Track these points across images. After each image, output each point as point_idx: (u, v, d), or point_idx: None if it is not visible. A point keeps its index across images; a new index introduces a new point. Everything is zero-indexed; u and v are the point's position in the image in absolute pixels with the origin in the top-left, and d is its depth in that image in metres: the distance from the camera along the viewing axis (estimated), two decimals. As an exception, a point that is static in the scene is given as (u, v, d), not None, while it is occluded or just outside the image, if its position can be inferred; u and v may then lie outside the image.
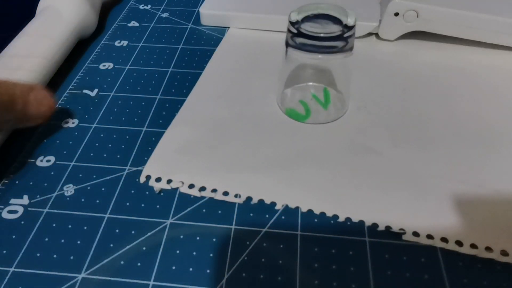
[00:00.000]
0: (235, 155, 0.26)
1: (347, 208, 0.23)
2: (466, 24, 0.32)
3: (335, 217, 0.23)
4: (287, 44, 0.26)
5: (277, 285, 0.20)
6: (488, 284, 0.20)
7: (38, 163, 0.26)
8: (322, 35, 0.24)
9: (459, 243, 0.21)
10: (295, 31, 0.25)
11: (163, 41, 0.36)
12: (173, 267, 0.21)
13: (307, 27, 0.25)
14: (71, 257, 0.22)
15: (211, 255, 0.21)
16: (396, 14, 0.33)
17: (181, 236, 0.22)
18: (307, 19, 0.26)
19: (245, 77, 0.32)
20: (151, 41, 0.36)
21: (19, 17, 0.40)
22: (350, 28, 0.25)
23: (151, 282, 0.20)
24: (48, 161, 0.26)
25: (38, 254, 0.22)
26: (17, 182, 0.25)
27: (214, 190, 0.24)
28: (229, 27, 0.37)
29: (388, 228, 0.22)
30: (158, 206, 0.24)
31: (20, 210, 0.24)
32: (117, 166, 0.26)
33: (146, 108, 0.30)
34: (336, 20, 0.25)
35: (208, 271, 0.21)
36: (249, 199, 0.24)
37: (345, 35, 0.25)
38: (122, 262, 0.21)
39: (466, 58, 0.33)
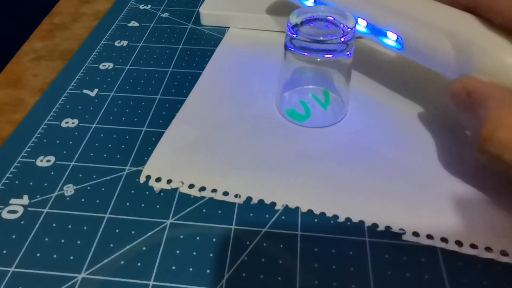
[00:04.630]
0: (235, 155, 0.26)
1: (347, 208, 0.23)
2: None
3: (335, 217, 0.23)
4: (286, 47, 0.26)
5: (277, 285, 0.20)
6: (488, 284, 0.20)
7: (38, 163, 0.26)
8: (321, 38, 0.24)
9: (459, 243, 0.21)
10: (294, 34, 0.25)
11: (163, 41, 0.36)
12: (173, 267, 0.21)
13: (306, 30, 0.25)
14: (71, 257, 0.22)
15: (211, 255, 0.21)
16: None
17: (181, 236, 0.22)
18: (306, 22, 0.26)
19: (245, 77, 0.32)
20: (151, 41, 0.36)
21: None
22: (349, 31, 0.25)
23: (151, 282, 0.20)
24: (48, 161, 0.26)
25: (38, 254, 0.22)
26: (17, 182, 0.25)
27: (214, 190, 0.24)
28: (229, 27, 0.37)
29: (388, 228, 0.22)
30: (158, 206, 0.24)
31: (20, 210, 0.24)
32: (117, 166, 0.26)
33: (146, 108, 0.30)
34: (335, 23, 0.26)
35: (208, 271, 0.21)
36: (249, 199, 0.24)
37: (344, 39, 0.25)
38: (122, 262, 0.21)
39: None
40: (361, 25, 0.28)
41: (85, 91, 0.31)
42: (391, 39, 0.27)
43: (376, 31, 0.27)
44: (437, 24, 0.25)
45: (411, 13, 0.26)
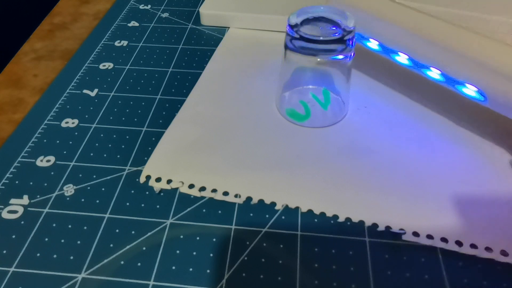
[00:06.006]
0: (235, 155, 0.26)
1: (347, 208, 0.23)
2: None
3: (335, 217, 0.23)
4: (286, 47, 0.26)
5: (277, 285, 0.20)
6: (488, 284, 0.20)
7: (38, 163, 0.26)
8: (321, 38, 0.24)
9: (459, 243, 0.21)
10: (294, 34, 0.25)
11: (163, 41, 0.36)
12: (173, 267, 0.21)
13: (306, 30, 0.25)
14: (71, 257, 0.22)
15: (211, 255, 0.21)
16: None
17: (181, 236, 0.22)
18: (306, 22, 0.26)
19: (245, 77, 0.32)
20: (151, 41, 0.36)
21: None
22: (350, 31, 0.25)
23: (151, 282, 0.20)
24: (48, 161, 0.26)
25: (38, 254, 0.22)
26: (17, 182, 0.25)
27: (214, 190, 0.24)
28: (229, 27, 0.37)
29: (388, 228, 0.22)
30: (158, 206, 0.24)
31: (20, 210, 0.24)
32: (117, 166, 0.26)
33: (146, 108, 0.30)
34: (335, 23, 0.26)
35: (208, 271, 0.21)
36: (249, 199, 0.24)
37: (345, 38, 0.25)
38: (122, 262, 0.21)
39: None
40: (435, 73, 0.25)
41: (85, 91, 0.31)
42: (470, 89, 0.24)
43: (452, 81, 0.24)
44: None
45: (492, 64, 0.22)
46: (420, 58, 0.25)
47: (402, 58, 0.27)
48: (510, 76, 0.22)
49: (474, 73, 0.23)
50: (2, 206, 0.24)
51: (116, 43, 0.36)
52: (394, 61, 0.28)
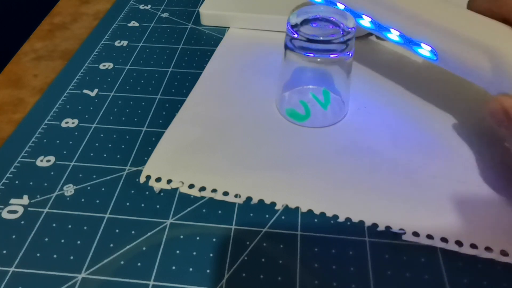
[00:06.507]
0: (235, 155, 0.26)
1: (347, 208, 0.23)
2: None
3: (335, 217, 0.23)
4: (286, 47, 0.26)
5: (277, 285, 0.20)
6: (488, 284, 0.20)
7: (38, 163, 0.26)
8: (321, 38, 0.24)
9: (459, 243, 0.21)
10: (294, 34, 0.25)
11: (163, 41, 0.36)
12: (173, 267, 0.21)
13: (306, 30, 0.25)
14: (71, 257, 0.22)
15: (211, 255, 0.21)
16: None
17: (181, 236, 0.22)
18: (306, 22, 0.26)
19: (245, 77, 0.32)
20: (151, 41, 0.36)
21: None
22: (349, 31, 0.25)
23: (151, 282, 0.21)
24: (48, 161, 0.26)
25: (38, 254, 0.22)
26: (17, 182, 0.25)
27: (214, 190, 0.24)
28: (229, 27, 0.37)
29: (388, 228, 0.22)
30: (158, 206, 0.24)
31: (20, 210, 0.24)
32: (117, 166, 0.26)
33: (146, 108, 0.30)
34: (335, 23, 0.26)
35: (208, 271, 0.21)
36: (249, 199, 0.24)
37: (344, 38, 0.25)
38: (122, 262, 0.21)
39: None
40: (394, 35, 0.27)
41: (85, 91, 0.31)
42: (425, 49, 0.26)
43: (410, 42, 0.27)
44: (473, 38, 0.24)
45: (445, 25, 0.25)
46: (381, 20, 0.27)
47: (393, 35, 0.28)
48: (457, 35, 0.24)
49: (428, 33, 0.25)
50: (2, 206, 0.24)
51: (116, 43, 0.36)
52: (384, 36, 0.29)
